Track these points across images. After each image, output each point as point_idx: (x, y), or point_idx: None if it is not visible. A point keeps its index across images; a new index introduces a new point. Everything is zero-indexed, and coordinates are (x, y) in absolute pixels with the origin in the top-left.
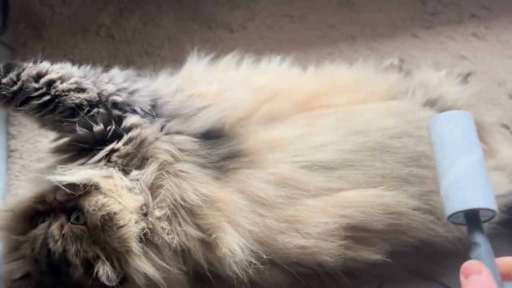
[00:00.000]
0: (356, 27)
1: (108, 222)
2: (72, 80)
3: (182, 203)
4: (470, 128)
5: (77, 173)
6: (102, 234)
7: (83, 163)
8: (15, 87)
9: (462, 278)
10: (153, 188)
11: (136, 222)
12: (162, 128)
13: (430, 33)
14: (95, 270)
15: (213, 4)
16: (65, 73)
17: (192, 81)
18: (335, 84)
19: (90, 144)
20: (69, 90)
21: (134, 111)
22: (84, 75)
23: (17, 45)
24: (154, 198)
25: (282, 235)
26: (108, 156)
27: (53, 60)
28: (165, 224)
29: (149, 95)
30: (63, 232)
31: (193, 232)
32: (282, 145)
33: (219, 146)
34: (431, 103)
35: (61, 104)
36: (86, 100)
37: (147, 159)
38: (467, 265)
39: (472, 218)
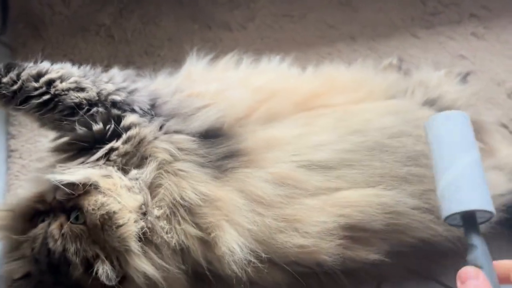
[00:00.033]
0: (356, 27)
1: (108, 221)
2: (71, 80)
3: (181, 202)
4: (467, 128)
5: (76, 172)
6: (101, 233)
7: (82, 162)
8: (15, 86)
9: (458, 284)
10: (152, 187)
11: (135, 221)
12: (161, 127)
13: (429, 33)
14: (95, 269)
15: (213, 4)
16: (64, 73)
17: (192, 81)
18: (334, 84)
19: (89, 143)
20: (68, 89)
21: (133, 110)
22: (84, 74)
23: (17, 45)
24: (153, 197)
25: (281, 234)
26: (107, 155)
27: (53, 60)
28: (164, 223)
29: (148, 94)
30: (62, 231)
31: (192, 231)
32: (280, 145)
33: (218, 145)
34: (431, 103)
35: (60, 103)
36: (85, 99)
37: (146, 158)
38: (464, 270)
39: (469, 219)
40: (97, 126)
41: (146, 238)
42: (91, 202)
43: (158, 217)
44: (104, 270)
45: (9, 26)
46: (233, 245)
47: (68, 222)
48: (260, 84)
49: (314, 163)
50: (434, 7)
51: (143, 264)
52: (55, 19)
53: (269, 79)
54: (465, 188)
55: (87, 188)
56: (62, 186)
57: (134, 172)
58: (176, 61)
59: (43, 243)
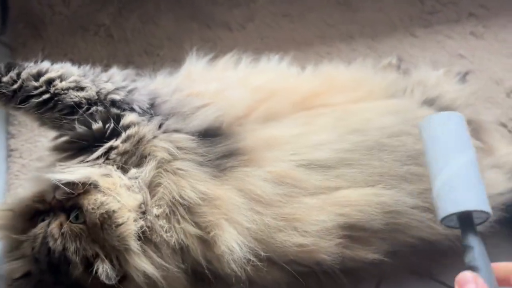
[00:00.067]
0: (355, 27)
1: (107, 220)
2: (71, 79)
3: (180, 200)
4: (462, 129)
5: (76, 171)
6: (101, 232)
7: (82, 161)
8: (15, 86)
9: None
10: (152, 186)
11: (134, 220)
12: (160, 126)
13: (428, 32)
14: (95, 268)
15: (212, 4)
16: (64, 72)
17: (191, 80)
18: (333, 83)
19: (89, 141)
20: (68, 89)
21: (132, 109)
22: (84, 74)
23: (16, 44)
24: (152, 196)
25: (280, 233)
26: (106, 153)
27: (52, 60)
28: (163, 222)
29: (148, 94)
30: (62, 230)
31: (192, 229)
32: (279, 144)
33: (217, 144)
34: (430, 102)
35: (60, 102)
36: (85, 98)
37: (146, 157)
38: (462, 276)
39: (465, 220)
40: (97, 125)
41: (145, 237)
42: (91, 201)
43: (157, 216)
44: (104, 269)
45: (9, 26)
46: (232, 244)
47: (68, 221)
48: (260, 84)
49: (313, 162)
50: (433, 6)
51: (142, 263)
52: (54, 19)
53: (268, 78)
54: (460, 189)
55: (86, 187)
56: (61, 186)
57: (133, 171)
58: (175, 60)
59: (43, 243)
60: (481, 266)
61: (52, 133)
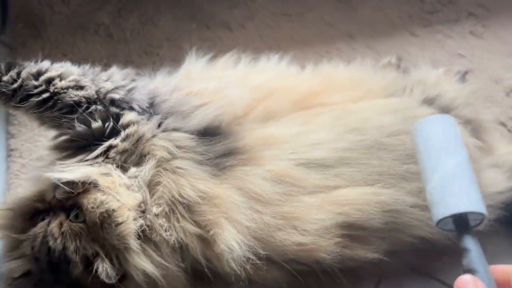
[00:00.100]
0: (354, 26)
1: (107, 219)
2: (71, 78)
3: (180, 199)
4: (453, 131)
5: (76, 171)
6: (101, 231)
7: (81, 160)
8: (15, 85)
9: None
10: (151, 185)
11: (134, 219)
12: (159, 125)
13: (427, 31)
14: (95, 267)
15: (211, 3)
16: (64, 71)
17: (191, 80)
18: (332, 82)
19: (88, 140)
20: (67, 88)
21: (131, 109)
22: (83, 73)
23: (16, 44)
24: (152, 195)
25: (280, 232)
26: (106, 152)
27: (52, 59)
28: (163, 221)
29: (148, 93)
30: (62, 230)
31: (191, 228)
32: (278, 143)
33: (216, 143)
34: (429, 101)
35: (60, 101)
36: (84, 97)
37: (145, 156)
38: (461, 280)
39: (460, 223)
40: (96, 124)
41: (145, 236)
42: (91, 201)
43: (157, 215)
44: (104, 268)
45: (9, 25)
46: (232, 243)
47: (68, 221)
48: (259, 83)
49: (312, 161)
50: (432, 5)
51: (142, 262)
52: (54, 18)
53: (267, 77)
54: (453, 191)
55: (86, 187)
56: (61, 185)
57: (133, 170)
58: (175, 60)
59: (43, 242)
60: (479, 268)
61: (52, 133)
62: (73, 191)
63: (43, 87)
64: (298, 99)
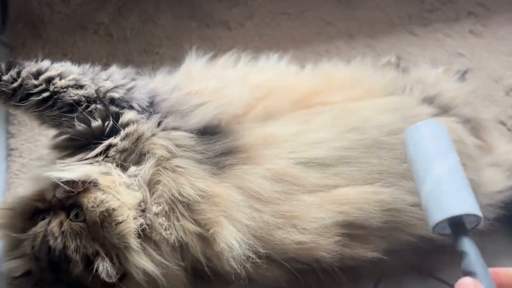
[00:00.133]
0: (354, 24)
1: (107, 218)
2: (70, 77)
3: (180, 198)
4: (443, 136)
5: (76, 170)
6: (101, 230)
7: (81, 159)
8: (15, 84)
9: None
10: (151, 184)
11: (134, 218)
12: (159, 124)
13: (427, 31)
14: (95, 266)
15: (211, 2)
16: (64, 71)
17: (190, 79)
18: (332, 81)
19: (88, 139)
20: (67, 87)
21: (131, 107)
22: (83, 72)
23: (16, 44)
24: (151, 194)
25: (279, 231)
26: (106, 151)
27: (52, 59)
28: (163, 220)
29: (147, 92)
30: (62, 229)
31: (191, 227)
32: (278, 142)
33: (215, 142)
34: (429, 100)
35: (59, 100)
36: (84, 96)
37: (145, 154)
38: (462, 282)
39: (456, 226)
40: (96, 123)
41: (145, 235)
42: (91, 200)
43: (156, 214)
44: (104, 267)
45: (9, 25)
46: (232, 241)
47: (68, 220)
48: (258, 82)
49: (312, 160)
50: (432, 4)
51: (142, 261)
52: (54, 18)
53: (267, 77)
54: (445, 195)
55: (86, 186)
56: (61, 184)
57: (133, 169)
58: (174, 59)
59: (44, 241)
60: (478, 270)
61: (52, 132)
62: (73, 190)
63: (43, 86)
64: (297, 98)
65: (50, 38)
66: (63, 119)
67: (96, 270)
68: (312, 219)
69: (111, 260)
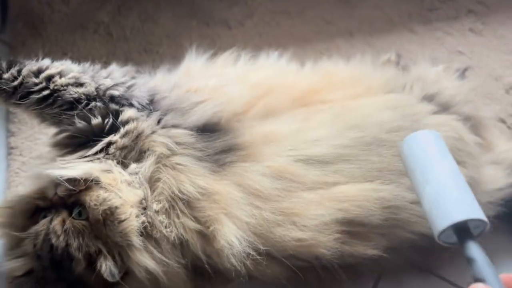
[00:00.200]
0: (353, 23)
1: (110, 216)
2: (70, 75)
3: (180, 195)
4: (439, 144)
5: (77, 167)
6: (103, 228)
7: (81, 156)
8: (15, 82)
9: None
10: (151, 182)
11: (136, 216)
12: (158, 122)
13: (427, 29)
14: (98, 265)
15: (211, 1)
16: (64, 69)
17: (190, 77)
18: (332, 79)
19: (88, 137)
20: (67, 85)
21: (131, 105)
22: (83, 70)
23: (16, 43)
24: (152, 191)
25: (279, 228)
26: (106, 149)
27: (52, 58)
28: (163, 217)
29: (147, 90)
30: (65, 227)
31: (191, 224)
32: (278, 139)
33: (215, 139)
34: (429, 98)
35: (59, 98)
36: (84, 94)
37: (145, 152)
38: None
39: (462, 233)
40: (96, 120)
41: (146, 233)
42: (93, 198)
43: (157, 212)
44: (107, 267)
45: (9, 24)
46: (232, 238)
47: (71, 218)
48: (258, 80)
49: (312, 158)
50: (432, 3)
51: (144, 259)
52: (54, 17)
53: (267, 75)
54: (448, 202)
55: (88, 184)
56: (64, 182)
57: (133, 166)
58: (174, 58)
59: (45, 239)
60: (488, 277)
61: (52, 130)
62: (75, 188)
63: (43, 84)
64: (297, 96)
65: (50, 37)
66: (63, 116)
67: (99, 269)
68: (312, 216)
69: (113, 258)
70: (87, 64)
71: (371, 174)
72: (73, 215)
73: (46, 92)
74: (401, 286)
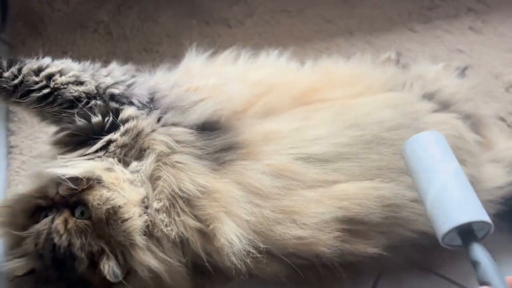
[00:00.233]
0: (353, 22)
1: (113, 216)
2: (71, 74)
3: (180, 193)
4: (442, 145)
5: (78, 166)
6: (106, 228)
7: (82, 154)
8: (16, 81)
9: None
10: (152, 180)
11: (139, 215)
12: (159, 120)
13: (427, 27)
14: (100, 266)
15: (211, 0)
16: (64, 67)
17: (190, 76)
18: (332, 78)
19: (88, 135)
20: (68, 83)
21: (131, 103)
22: (83, 69)
23: (16, 42)
24: (153, 189)
25: (279, 226)
26: (106, 147)
27: (52, 57)
28: (163, 216)
29: (147, 89)
30: (68, 226)
31: (191, 222)
32: (277, 138)
33: (215, 138)
34: (429, 96)
35: (60, 97)
36: (84, 92)
37: (145, 150)
38: None
39: (466, 235)
40: (96, 119)
41: (148, 232)
42: (96, 197)
43: (158, 210)
44: (110, 266)
45: (9, 24)
46: (232, 237)
47: (74, 217)
48: (258, 79)
49: (311, 156)
50: (432, 1)
51: (147, 258)
52: (54, 16)
53: (267, 73)
54: (452, 204)
55: (90, 183)
56: (66, 181)
57: (134, 164)
58: (174, 57)
59: (48, 238)
60: (493, 280)
61: (52, 129)
62: (77, 187)
63: (44, 82)
64: (297, 94)
65: (50, 37)
66: (64, 115)
67: (102, 269)
68: (312, 214)
69: (116, 257)
70: (87, 63)
71: (371, 172)
72: (76, 214)
73: (46, 91)
74: (401, 284)
